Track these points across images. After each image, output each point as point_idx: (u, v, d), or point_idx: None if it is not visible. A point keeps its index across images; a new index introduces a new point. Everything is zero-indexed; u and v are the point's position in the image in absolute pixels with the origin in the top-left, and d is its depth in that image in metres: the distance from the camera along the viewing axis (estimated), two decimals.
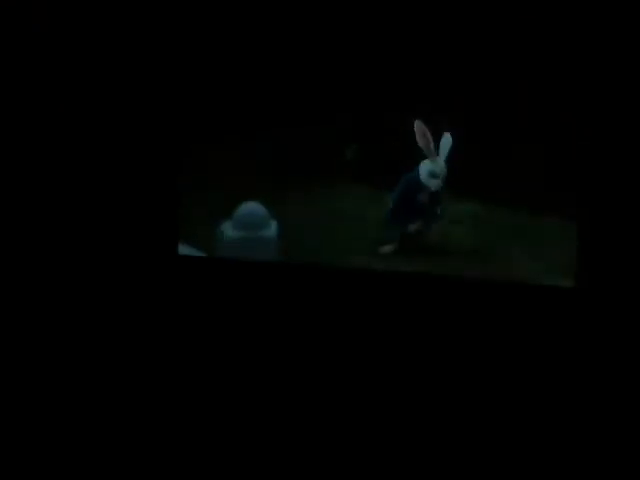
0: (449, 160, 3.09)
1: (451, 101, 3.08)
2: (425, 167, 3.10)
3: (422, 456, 3.00)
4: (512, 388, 3.03)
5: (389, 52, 3.10)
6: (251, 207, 3.21)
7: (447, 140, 3.08)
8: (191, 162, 3.21)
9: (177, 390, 3.15)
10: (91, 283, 3.19)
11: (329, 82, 3.16)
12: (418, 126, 3.05)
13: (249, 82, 3.18)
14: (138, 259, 3.18)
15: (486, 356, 3.05)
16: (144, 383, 3.16)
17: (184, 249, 3.22)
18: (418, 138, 3.06)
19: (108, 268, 3.19)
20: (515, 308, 3.03)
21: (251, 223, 3.20)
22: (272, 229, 3.21)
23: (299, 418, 3.10)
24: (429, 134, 3.06)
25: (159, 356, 3.17)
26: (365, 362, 3.12)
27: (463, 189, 3.12)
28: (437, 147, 3.09)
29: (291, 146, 3.19)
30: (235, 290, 3.17)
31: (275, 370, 3.14)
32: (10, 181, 3.18)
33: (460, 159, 3.08)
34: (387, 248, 3.19)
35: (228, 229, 3.22)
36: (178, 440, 3.08)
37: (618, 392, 2.93)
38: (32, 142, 3.19)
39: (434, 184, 3.11)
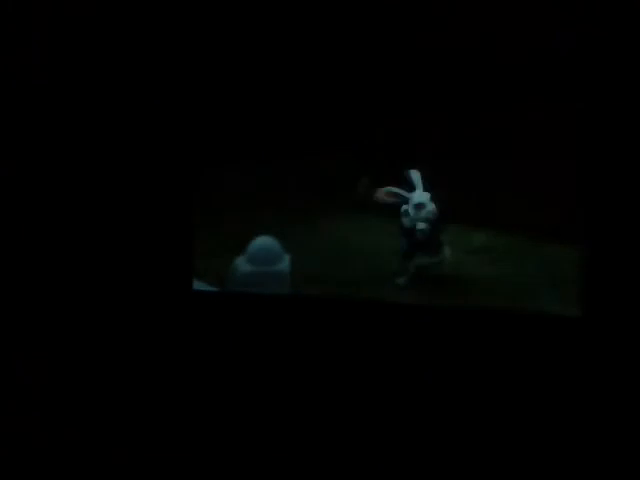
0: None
1: (457, 133, 3.10)
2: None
3: None
4: (519, 418, 3.00)
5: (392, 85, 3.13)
6: (264, 242, 3.20)
7: (415, 174, 3.13)
8: (204, 198, 3.22)
9: (192, 426, 3.14)
10: (106, 319, 3.20)
11: (337, 115, 3.17)
12: (380, 196, 3.15)
13: (260, 115, 3.19)
14: (153, 295, 3.19)
15: (495, 386, 3.03)
16: (159, 417, 3.15)
17: (199, 285, 3.22)
18: (388, 201, 3.16)
19: (124, 303, 3.20)
20: (525, 338, 3.01)
21: (265, 258, 3.20)
22: (285, 263, 3.20)
23: (309, 448, 3.08)
24: (394, 191, 3.15)
25: (175, 389, 3.17)
26: (381, 394, 3.11)
27: (474, 220, 3.11)
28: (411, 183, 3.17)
29: (303, 179, 3.20)
30: (249, 324, 3.17)
31: (291, 402, 3.13)
32: (50, 203, 3.21)
33: (470, 190, 3.07)
34: (402, 280, 3.19)
35: (242, 264, 3.21)
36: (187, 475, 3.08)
37: (629, 426, 2.91)
38: (47, 180, 3.22)
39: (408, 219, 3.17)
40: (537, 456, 2.95)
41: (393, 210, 3.18)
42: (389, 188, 3.15)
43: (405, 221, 3.15)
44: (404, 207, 3.16)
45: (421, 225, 3.12)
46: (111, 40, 3.20)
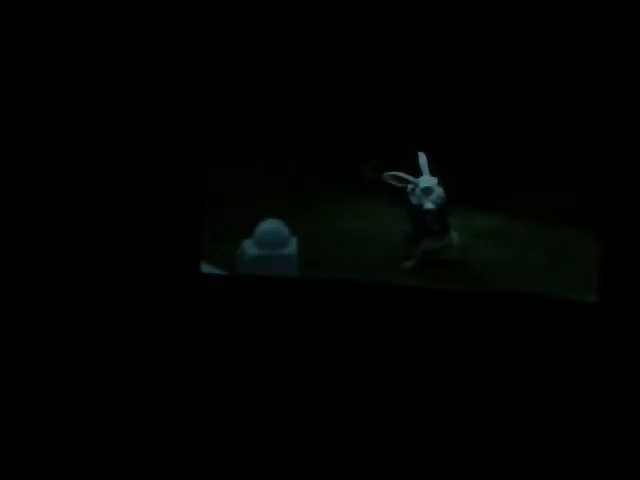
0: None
1: (470, 118, 3.16)
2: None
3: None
4: (532, 405, 2.99)
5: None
6: (272, 225, 3.18)
7: (422, 158, 3.16)
8: (211, 181, 3.19)
9: (197, 408, 3.04)
10: (113, 302, 3.10)
11: (345, 99, 3.22)
12: (387, 179, 3.18)
13: (269, 101, 3.21)
14: (161, 278, 3.10)
15: (506, 372, 3.02)
16: (165, 400, 3.04)
17: (206, 267, 3.16)
18: (395, 184, 3.19)
19: (131, 287, 3.11)
20: (538, 324, 3.02)
21: (272, 241, 3.16)
22: (293, 246, 3.17)
23: (317, 435, 3.00)
24: (399, 175, 3.18)
25: (181, 373, 3.06)
26: (387, 379, 3.06)
27: (485, 204, 3.15)
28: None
29: (308, 163, 3.21)
30: (257, 308, 3.11)
31: (298, 386, 3.06)
32: (34, 207, 3.13)
33: (483, 174, 3.13)
34: (408, 264, 3.19)
35: (249, 247, 3.17)
36: (190, 461, 2.96)
37: None
38: (53, 170, 3.16)
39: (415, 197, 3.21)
40: (548, 449, 2.92)
41: (399, 194, 3.20)
42: (395, 172, 3.18)
43: (413, 199, 3.16)
44: (410, 186, 3.17)
45: (429, 205, 3.14)
46: (111, 38, 3.20)
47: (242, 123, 3.22)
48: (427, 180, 3.17)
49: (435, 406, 3.00)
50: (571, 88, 3.10)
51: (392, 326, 3.07)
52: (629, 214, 2.92)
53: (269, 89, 3.22)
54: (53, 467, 2.90)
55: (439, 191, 3.16)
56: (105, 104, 3.16)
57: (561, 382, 2.97)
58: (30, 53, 3.15)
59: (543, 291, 3.07)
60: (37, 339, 3.07)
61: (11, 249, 3.15)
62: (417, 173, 3.20)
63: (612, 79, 2.92)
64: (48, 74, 3.17)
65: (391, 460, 2.93)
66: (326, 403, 3.03)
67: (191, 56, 3.15)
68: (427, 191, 3.16)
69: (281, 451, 2.96)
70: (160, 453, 2.94)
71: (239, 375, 3.06)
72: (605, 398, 2.92)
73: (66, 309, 3.08)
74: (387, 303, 3.09)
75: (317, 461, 2.94)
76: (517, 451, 2.91)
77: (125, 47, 3.14)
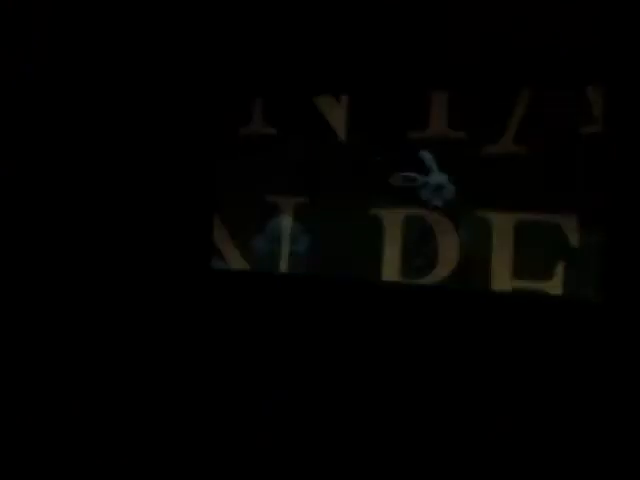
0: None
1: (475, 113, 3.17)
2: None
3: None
4: (536, 403, 2.99)
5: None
6: (282, 221, 3.17)
7: (427, 156, 3.17)
8: (221, 179, 3.18)
9: (207, 400, 3.00)
10: (128, 297, 3.07)
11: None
12: (394, 180, 3.19)
13: (273, 100, 3.22)
14: (174, 273, 3.08)
15: (511, 370, 3.02)
16: (177, 393, 3.00)
17: (218, 263, 3.14)
18: (404, 185, 3.20)
19: (144, 282, 3.08)
20: (541, 322, 3.03)
21: (283, 237, 3.16)
22: (303, 242, 3.16)
23: (322, 425, 2.98)
24: (408, 176, 3.19)
25: (193, 365, 3.04)
26: (392, 375, 3.05)
27: (485, 201, 3.15)
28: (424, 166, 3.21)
29: (315, 162, 3.22)
30: (267, 302, 3.09)
31: (306, 380, 3.04)
32: (36, 207, 3.10)
33: (485, 170, 3.13)
34: (418, 261, 3.18)
35: (260, 243, 3.16)
36: (196, 455, 2.92)
37: None
38: (54, 170, 3.14)
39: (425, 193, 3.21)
40: (551, 447, 2.93)
41: (406, 193, 3.20)
42: (403, 174, 3.18)
43: (421, 196, 3.16)
44: (419, 182, 3.17)
45: (436, 201, 3.14)
46: (112, 38, 3.19)
47: (248, 122, 3.21)
48: (437, 177, 3.17)
49: (439, 401, 3.00)
50: (571, 88, 3.12)
51: (397, 324, 3.07)
52: (632, 212, 2.95)
53: (273, 88, 3.21)
54: (66, 463, 2.85)
55: (450, 187, 3.16)
56: (106, 104, 3.15)
57: (566, 379, 2.98)
58: (30, 53, 3.12)
59: (546, 289, 3.07)
60: (49, 334, 3.04)
61: (17, 248, 3.10)
62: (423, 172, 3.19)
63: (612, 79, 2.98)
64: (48, 74, 3.14)
65: (394, 457, 2.92)
66: (333, 398, 3.01)
67: (192, 55, 3.15)
68: (438, 188, 3.16)
69: (284, 445, 2.93)
70: (165, 448, 2.90)
71: (249, 367, 3.04)
72: (609, 395, 2.93)
73: (82, 303, 3.05)
74: (392, 301, 3.09)
75: (322, 455, 2.91)
76: (519, 450, 2.91)
77: (125, 46, 3.13)
